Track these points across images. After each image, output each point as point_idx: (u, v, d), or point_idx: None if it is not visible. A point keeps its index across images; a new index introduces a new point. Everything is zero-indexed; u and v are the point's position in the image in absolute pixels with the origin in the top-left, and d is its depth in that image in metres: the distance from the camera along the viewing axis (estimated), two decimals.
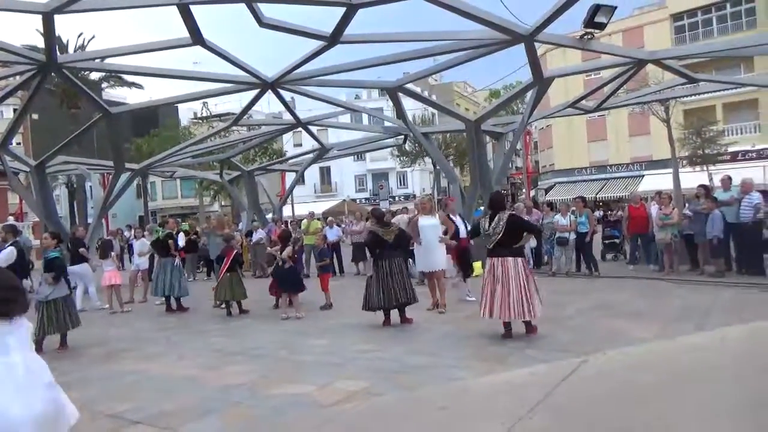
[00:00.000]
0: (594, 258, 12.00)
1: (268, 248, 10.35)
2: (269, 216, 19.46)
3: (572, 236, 11.72)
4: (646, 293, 9.27)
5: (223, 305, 9.62)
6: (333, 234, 14.64)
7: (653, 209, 11.77)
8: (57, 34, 10.50)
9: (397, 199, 46.26)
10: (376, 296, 7.57)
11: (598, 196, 34.75)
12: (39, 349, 7.20)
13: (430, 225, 8.83)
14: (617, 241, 14.17)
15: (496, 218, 6.53)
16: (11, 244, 8.24)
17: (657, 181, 29.53)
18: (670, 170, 25.86)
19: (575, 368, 4.42)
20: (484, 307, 6.47)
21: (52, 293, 7.32)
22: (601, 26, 9.98)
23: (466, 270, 9.51)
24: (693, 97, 25.85)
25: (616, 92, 14.25)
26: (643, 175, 35.23)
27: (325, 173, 51.96)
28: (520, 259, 6.48)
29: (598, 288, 10.10)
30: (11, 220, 20.77)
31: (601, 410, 3.67)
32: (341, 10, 9.01)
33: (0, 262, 7.71)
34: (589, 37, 10.49)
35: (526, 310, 6.27)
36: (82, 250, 10.51)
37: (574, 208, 12.38)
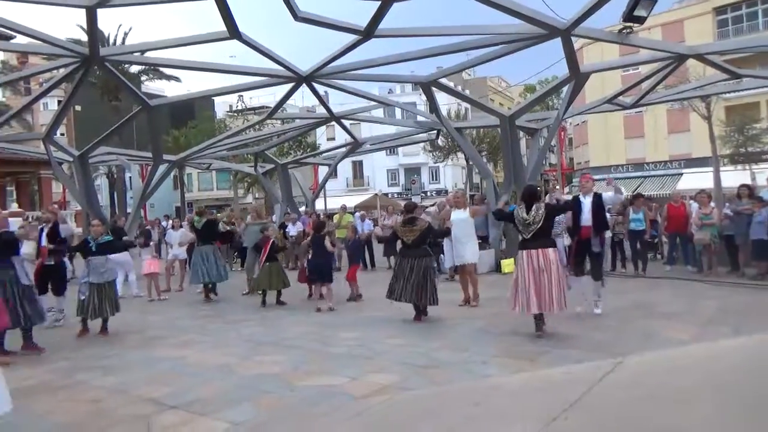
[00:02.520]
0: (646, 257, 11.71)
1: (303, 242, 10.46)
2: (302, 209, 19.65)
3: (607, 234, 11.48)
4: (683, 294, 9.05)
5: (259, 293, 9.76)
6: (364, 228, 14.69)
7: (693, 208, 11.47)
8: (98, 28, 10.76)
9: (429, 194, 46.15)
10: (391, 288, 7.72)
11: (634, 194, 34.01)
12: (85, 329, 7.46)
13: (460, 219, 8.81)
14: (655, 240, 13.85)
15: (534, 207, 6.48)
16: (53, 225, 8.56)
17: (696, 179, 28.75)
18: (711, 169, 25.13)
19: (611, 369, 4.35)
20: (519, 300, 6.37)
21: (108, 276, 7.60)
22: (641, 20, 9.73)
23: (581, 266, 7.74)
24: (736, 94, 25.03)
25: (655, 88, 13.90)
26: (682, 174, 34.34)
27: (358, 167, 52.14)
28: (554, 249, 6.45)
29: (633, 288, 9.90)
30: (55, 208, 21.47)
31: (638, 413, 3.60)
32: (376, 4, 9.01)
33: (63, 233, 8.30)
34: (628, 31, 10.24)
35: (557, 301, 6.20)
36: (126, 239, 10.81)
37: (610, 206, 12.12)
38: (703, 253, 10.92)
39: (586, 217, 7.50)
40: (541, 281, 6.23)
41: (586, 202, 7.58)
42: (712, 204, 11.38)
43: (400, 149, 45.44)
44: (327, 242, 9.22)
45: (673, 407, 3.62)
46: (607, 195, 7.71)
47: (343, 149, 20.66)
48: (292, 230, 15.08)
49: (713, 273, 10.64)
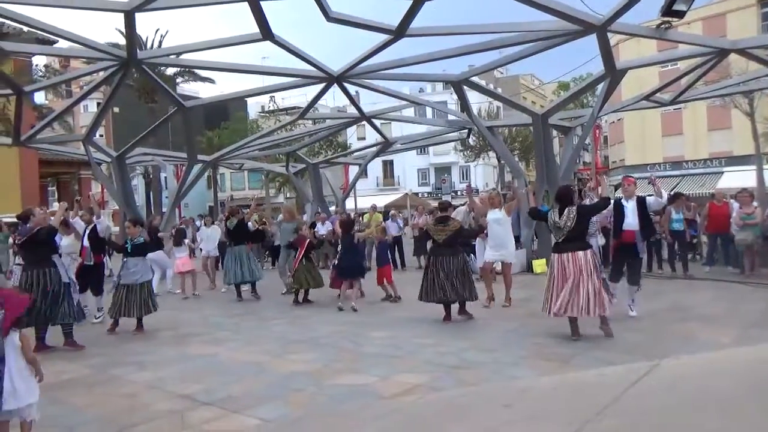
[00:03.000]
0: (686, 257, 11.32)
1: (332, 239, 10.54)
2: (332, 208, 19.76)
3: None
4: (724, 296, 8.77)
5: (292, 291, 9.83)
6: (395, 227, 14.69)
7: (734, 208, 11.11)
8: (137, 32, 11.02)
9: (459, 193, 45.91)
10: (424, 290, 7.62)
11: (672, 193, 33.13)
12: (114, 325, 7.69)
13: (496, 219, 8.75)
14: (693, 240, 13.46)
15: (566, 211, 6.35)
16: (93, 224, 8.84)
17: (738, 178, 27.83)
18: (753, 167, 24.30)
19: (647, 372, 4.23)
20: (550, 303, 6.28)
21: (140, 278, 7.73)
22: (680, 14, 9.45)
23: (618, 271, 7.64)
24: None
25: (695, 84, 13.51)
26: (723, 172, 33.31)
27: (388, 167, 52.18)
28: (589, 251, 6.27)
29: (670, 289, 9.63)
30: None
31: (675, 418, 3.50)
32: (407, 3, 8.98)
33: (101, 232, 8.52)
34: (667, 26, 9.98)
35: (595, 305, 6.05)
36: (162, 234, 11.05)
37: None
38: (745, 254, 10.58)
39: (630, 222, 7.35)
40: (572, 285, 6.09)
41: (629, 206, 7.43)
42: (755, 203, 11.01)
43: (430, 149, 45.32)
44: (356, 236, 9.31)
45: (713, 413, 3.50)
46: (651, 200, 7.53)
47: (374, 149, 20.69)
48: (322, 229, 15.18)
49: (755, 274, 10.29)
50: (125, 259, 7.86)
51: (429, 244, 10.13)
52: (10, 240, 10.49)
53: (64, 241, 8.21)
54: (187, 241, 11.66)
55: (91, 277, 8.44)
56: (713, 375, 4.35)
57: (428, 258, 7.89)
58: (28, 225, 6.79)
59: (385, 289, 9.66)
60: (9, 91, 13.23)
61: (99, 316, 8.61)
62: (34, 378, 3.60)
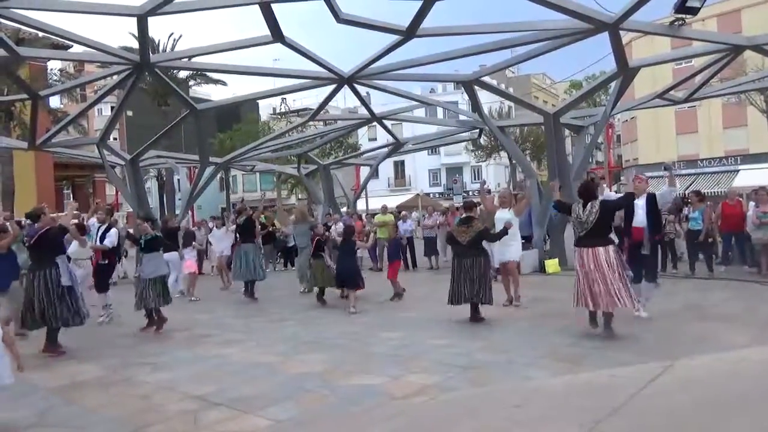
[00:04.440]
0: (711, 258, 11.13)
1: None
2: (344, 209, 19.79)
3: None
4: (739, 296, 8.65)
5: (309, 290, 9.84)
6: (406, 228, 14.66)
7: (750, 207, 10.95)
8: (149, 36, 11.12)
9: (471, 193, 45.81)
10: (450, 294, 7.59)
11: (687, 192, 32.81)
12: (150, 323, 7.88)
13: (503, 218, 8.71)
14: (709, 240, 13.27)
15: (589, 206, 6.35)
16: (108, 226, 8.92)
17: (754, 176, 27.50)
18: None
19: (660, 372, 4.18)
20: (579, 297, 6.31)
21: (153, 272, 7.86)
22: (694, 11, 9.37)
23: (638, 272, 7.21)
24: None
25: (710, 81, 13.36)
26: (739, 170, 32.91)
27: (399, 167, 52.19)
28: (610, 248, 6.24)
29: (685, 289, 9.52)
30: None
31: (688, 419, 3.45)
32: (418, 4, 8.98)
33: (109, 244, 8.64)
34: (680, 23, 9.89)
35: (612, 300, 6.03)
36: (183, 225, 11.14)
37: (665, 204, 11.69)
38: (762, 253, 10.43)
39: (639, 219, 7.31)
40: (592, 279, 6.11)
41: (639, 204, 7.39)
42: None
43: (441, 149, 45.27)
44: (358, 242, 9.37)
45: (727, 414, 3.45)
46: (660, 194, 7.52)
47: (385, 149, 20.70)
48: (333, 232, 15.20)
49: None
50: (141, 255, 8.11)
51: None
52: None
53: (71, 248, 8.28)
54: (195, 243, 11.73)
55: (100, 274, 8.65)
56: (728, 376, 4.29)
57: (452, 260, 7.85)
58: (36, 225, 6.82)
59: (393, 286, 9.66)
60: (25, 96, 13.42)
61: (106, 314, 8.64)
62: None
